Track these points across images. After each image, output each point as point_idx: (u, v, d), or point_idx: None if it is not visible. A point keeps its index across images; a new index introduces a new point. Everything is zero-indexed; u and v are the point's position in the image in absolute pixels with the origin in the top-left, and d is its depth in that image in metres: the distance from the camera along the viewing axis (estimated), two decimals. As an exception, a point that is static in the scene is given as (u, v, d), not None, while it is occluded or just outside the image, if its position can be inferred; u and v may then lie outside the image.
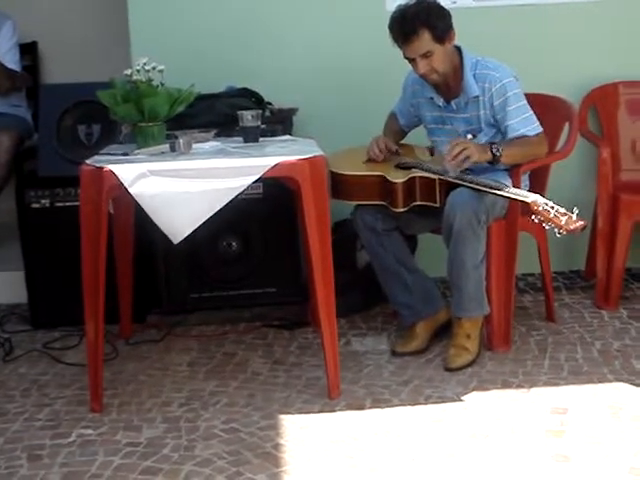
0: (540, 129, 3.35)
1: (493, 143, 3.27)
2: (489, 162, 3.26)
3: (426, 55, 3.26)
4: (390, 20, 3.30)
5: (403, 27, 3.24)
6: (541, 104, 3.44)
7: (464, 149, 3.18)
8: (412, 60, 3.29)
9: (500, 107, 3.32)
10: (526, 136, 3.32)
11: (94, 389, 3.09)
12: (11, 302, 4.11)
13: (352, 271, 3.92)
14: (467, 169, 3.22)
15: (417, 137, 3.70)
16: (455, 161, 3.18)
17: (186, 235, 2.97)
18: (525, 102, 3.34)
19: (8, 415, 3.09)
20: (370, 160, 3.51)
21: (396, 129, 3.67)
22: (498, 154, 3.23)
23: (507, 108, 3.31)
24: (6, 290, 4.13)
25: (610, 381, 3.17)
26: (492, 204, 3.28)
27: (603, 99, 4.13)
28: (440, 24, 3.25)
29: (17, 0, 4.74)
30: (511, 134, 3.32)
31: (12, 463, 2.77)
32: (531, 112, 3.34)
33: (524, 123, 3.32)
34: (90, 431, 2.95)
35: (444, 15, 3.28)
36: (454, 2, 3.90)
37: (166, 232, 2.97)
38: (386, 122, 3.71)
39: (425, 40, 3.23)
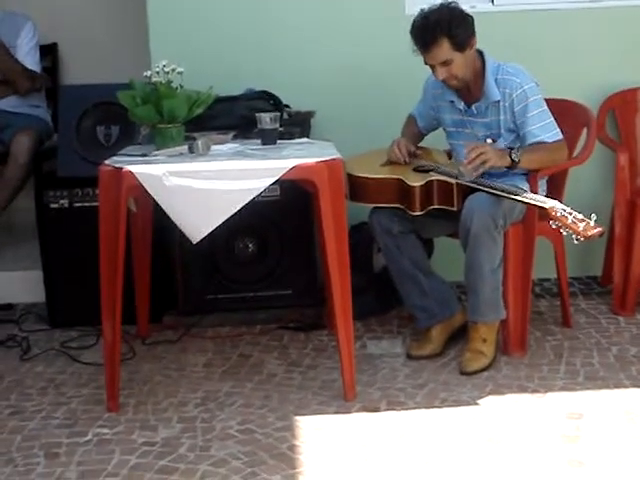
0: (560, 136, 3.33)
1: (512, 148, 3.26)
2: (507, 167, 3.26)
3: (445, 63, 3.26)
4: (412, 25, 3.30)
5: (423, 35, 3.25)
6: (559, 109, 3.43)
7: (481, 154, 3.18)
8: (432, 66, 3.30)
9: (521, 113, 3.31)
10: (545, 142, 3.31)
11: (111, 388, 3.10)
12: (29, 301, 4.13)
13: (368, 274, 3.93)
14: (484, 173, 3.22)
15: (435, 140, 3.70)
16: (471, 165, 3.18)
17: (205, 235, 2.98)
18: (546, 108, 3.33)
19: (25, 413, 3.11)
20: (388, 163, 3.51)
21: (414, 132, 3.67)
22: (517, 160, 3.22)
23: (527, 114, 3.30)
24: (24, 289, 4.15)
25: (626, 387, 3.16)
26: (510, 209, 3.27)
27: (622, 105, 4.12)
28: (461, 32, 3.24)
29: (37, 2, 4.77)
30: (530, 140, 3.31)
31: (29, 460, 2.79)
32: (552, 118, 3.33)
33: (544, 129, 3.31)
34: (106, 430, 2.97)
35: (466, 22, 3.27)
36: (473, 7, 3.89)
37: (185, 231, 2.98)
38: (404, 125, 3.71)
39: (444, 49, 3.23)
